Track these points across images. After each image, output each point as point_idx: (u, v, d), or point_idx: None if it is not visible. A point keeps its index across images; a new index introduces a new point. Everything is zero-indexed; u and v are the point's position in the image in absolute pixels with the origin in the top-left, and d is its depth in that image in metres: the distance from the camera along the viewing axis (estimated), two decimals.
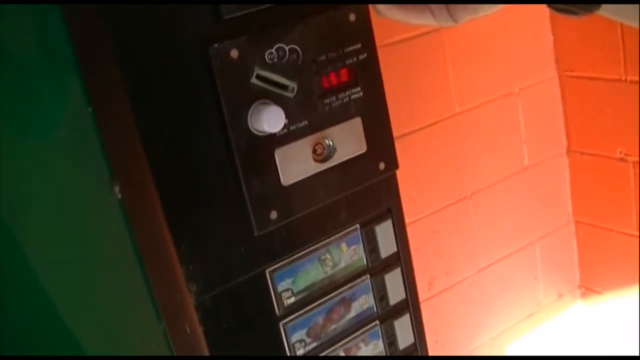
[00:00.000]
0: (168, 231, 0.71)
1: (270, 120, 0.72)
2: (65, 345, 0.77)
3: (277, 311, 0.80)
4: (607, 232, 1.76)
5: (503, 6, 0.61)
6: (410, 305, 0.92)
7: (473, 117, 1.58)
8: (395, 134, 0.85)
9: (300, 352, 0.82)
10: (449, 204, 1.58)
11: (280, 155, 0.75)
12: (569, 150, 1.77)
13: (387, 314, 0.90)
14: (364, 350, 0.88)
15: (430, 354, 0.99)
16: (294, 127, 0.76)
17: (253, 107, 0.73)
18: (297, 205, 0.78)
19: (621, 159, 1.65)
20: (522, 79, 1.65)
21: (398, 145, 0.86)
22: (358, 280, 0.87)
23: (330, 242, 0.83)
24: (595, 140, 1.70)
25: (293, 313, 0.82)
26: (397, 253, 0.89)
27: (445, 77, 1.52)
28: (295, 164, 0.77)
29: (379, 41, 0.80)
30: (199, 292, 0.73)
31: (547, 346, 1.86)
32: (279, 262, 0.79)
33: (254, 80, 0.72)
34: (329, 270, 0.84)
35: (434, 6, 0.62)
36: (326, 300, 0.84)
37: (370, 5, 0.63)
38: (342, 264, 0.85)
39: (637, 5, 0.57)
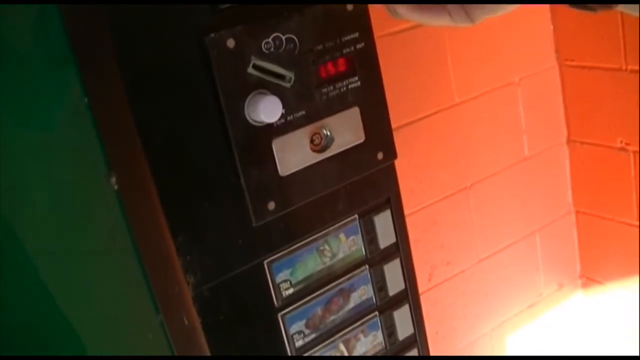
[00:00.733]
0: (165, 222, 0.70)
1: (267, 110, 0.72)
2: (63, 336, 0.77)
3: (275, 302, 0.80)
4: (608, 222, 1.76)
5: (520, 5, 0.60)
6: (410, 295, 0.92)
7: (473, 107, 1.57)
8: (394, 124, 0.84)
9: (299, 343, 0.82)
10: (449, 194, 1.58)
11: (278, 145, 0.75)
12: (569, 140, 1.77)
13: (386, 305, 0.90)
14: (363, 341, 0.88)
15: (431, 345, 0.99)
16: (292, 117, 0.76)
17: (250, 97, 0.72)
18: (295, 196, 0.78)
19: (621, 149, 1.64)
20: (522, 69, 1.64)
21: (397, 136, 0.85)
22: (357, 271, 0.86)
23: (329, 233, 0.83)
24: (596, 130, 1.70)
25: (292, 304, 0.81)
26: (396, 243, 0.89)
27: (445, 67, 1.51)
28: (292, 154, 0.76)
29: (378, 31, 0.80)
30: (196, 283, 0.73)
31: (548, 337, 1.86)
32: (277, 253, 0.79)
33: (250, 70, 0.72)
34: (328, 261, 0.83)
35: (451, 7, 0.61)
36: (325, 291, 0.84)
37: (385, 6, 0.62)
38: (341, 255, 0.84)
39: None
